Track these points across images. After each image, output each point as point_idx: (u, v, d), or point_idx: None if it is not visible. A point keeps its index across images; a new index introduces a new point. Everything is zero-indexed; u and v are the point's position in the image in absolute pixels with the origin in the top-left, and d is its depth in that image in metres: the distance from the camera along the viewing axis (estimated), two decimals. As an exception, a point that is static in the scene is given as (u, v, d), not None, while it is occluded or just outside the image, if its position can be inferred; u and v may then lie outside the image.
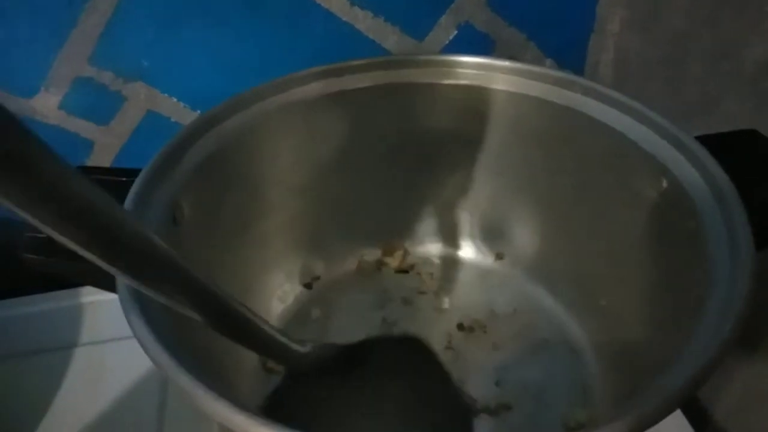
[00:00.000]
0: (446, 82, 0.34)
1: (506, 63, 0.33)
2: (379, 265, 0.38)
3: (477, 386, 0.32)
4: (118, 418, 0.33)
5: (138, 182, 0.24)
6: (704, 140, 0.28)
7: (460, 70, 0.33)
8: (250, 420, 0.17)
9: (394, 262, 0.38)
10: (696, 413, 0.34)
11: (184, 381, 0.18)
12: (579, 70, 0.48)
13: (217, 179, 0.30)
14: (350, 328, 0.35)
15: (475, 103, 0.34)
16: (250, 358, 0.32)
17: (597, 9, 0.45)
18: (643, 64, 0.44)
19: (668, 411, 0.18)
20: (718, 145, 0.29)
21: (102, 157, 0.45)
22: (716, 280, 0.23)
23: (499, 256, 0.38)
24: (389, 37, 0.44)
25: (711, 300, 0.22)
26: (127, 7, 0.39)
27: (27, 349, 0.36)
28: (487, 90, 0.33)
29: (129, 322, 0.20)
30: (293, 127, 0.33)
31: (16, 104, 0.40)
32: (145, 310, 0.20)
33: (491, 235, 0.38)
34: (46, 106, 0.41)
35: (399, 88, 0.34)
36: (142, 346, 0.19)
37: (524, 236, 0.37)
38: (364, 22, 0.43)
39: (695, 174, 0.26)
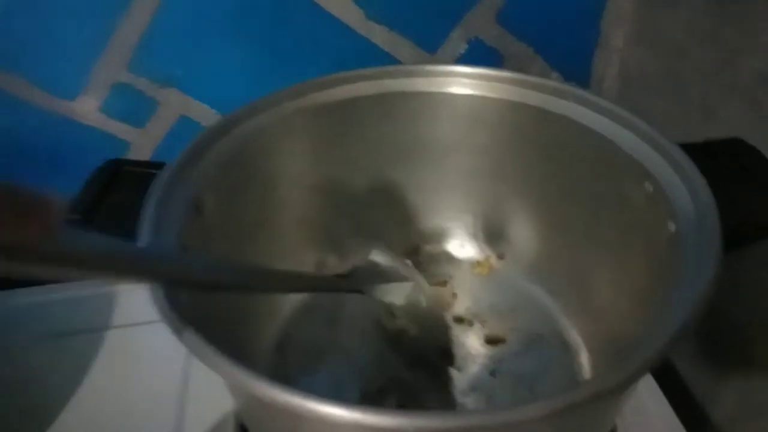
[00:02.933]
0: (450, 90, 0.36)
1: (506, 73, 0.35)
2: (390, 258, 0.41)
3: (473, 375, 0.35)
4: (142, 397, 0.36)
5: (163, 175, 0.27)
6: (691, 147, 0.30)
7: (463, 80, 0.36)
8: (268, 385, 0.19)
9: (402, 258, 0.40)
10: (693, 422, 0.35)
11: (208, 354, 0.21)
12: (585, 84, 0.50)
13: (237, 176, 0.33)
14: (356, 316, 0.37)
15: (477, 111, 0.36)
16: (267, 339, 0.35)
17: (601, 24, 0.47)
18: (646, 77, 0.46)
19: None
20: (704, 152, 0.31)
21: (138, 157, 0.49)
22: (686, 279, 0.24)
23: (500, 256, 0.40)
24: (403, 50, 0.47)
25: (678, 297, 0.24)
26: (162, 19, 0.42)
27: (62, 330, 0.39)
28: (488, 99, 0.36)
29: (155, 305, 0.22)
30: (308, 130, 0.36)
31: (58, 106, 0.44)
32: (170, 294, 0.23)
33: (493, 237, 0.40)
34: (86, 109, 0.45)
35: (408, 96, 0.37)
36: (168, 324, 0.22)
37: (524, 238, 0.39)
38: (380, 35, 0.46)
39: (676, 179, 0.28)
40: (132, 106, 0.46)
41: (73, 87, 0.44)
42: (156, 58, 0.44)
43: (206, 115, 0.47)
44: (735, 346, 0.40)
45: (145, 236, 0.25)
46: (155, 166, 0.29)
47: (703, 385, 0.44)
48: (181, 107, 0.47)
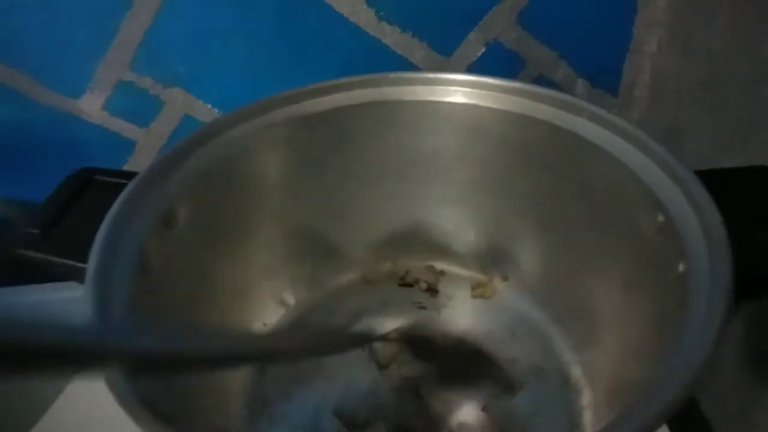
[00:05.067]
0: (452, 100, 0.33)
1: (514, 84, 0.32)
2: (384, 276, 0.39)
3: (462, 410, 0.32)
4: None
5: (128, 189, 0.26)
6: (712, 175, 0.26)
7: (467, 89, 0.33)
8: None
9: (398, 274, 0.38)
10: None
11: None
12: (613, 91, 0.47)
13: (219, 186, 0.31)
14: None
15: (481, 123, 0.33)
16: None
17: (633, 29, 0.44)
18: (679, 86, 0.42)
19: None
20: (727, 180, 0.27)
21: (143, 157, 0.48)
22: (692, 327, 0.22)
23: (503, 278, 0.38)
24: (416, 53, 0.44)
25: (683, 346, 0.21)
26: (164, 18, 0.41)
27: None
28: (493, 110, 0.33)
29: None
30: (300, 139, 0.34)
31: (63, 104, 0.44)
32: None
33: (496, 257, 0.38)
34: (90, 107, 0.45)
35: (407, 105, 0.34)
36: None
37: (529, 260, 0.36)
38: (392, 37, 0.44)
39: (690, 212, 0.25)
40: (136, 105, 0.45)
41: (77, 85, 0.44)
42: (159, 57, 0.43)
43: (210, 114, 0.46)
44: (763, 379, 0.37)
45: (98, 251, 0.24)
46: (128, 175, 0.28)
47: (729, 421, 0.40)
48: (186, 106, 0.46)
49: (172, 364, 0.18)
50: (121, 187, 0.28)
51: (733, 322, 0.37)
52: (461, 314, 0.37)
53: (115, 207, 0.25)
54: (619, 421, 0.20)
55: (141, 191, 0.27)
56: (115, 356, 0.16)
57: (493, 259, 0.38)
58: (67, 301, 0.39)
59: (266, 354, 0.24)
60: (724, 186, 0.26)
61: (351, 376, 0.34)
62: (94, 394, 0.34)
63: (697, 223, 0.24)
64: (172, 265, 0.27)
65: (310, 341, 0.26)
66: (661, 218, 0.26)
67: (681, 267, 0.24)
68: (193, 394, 0.25)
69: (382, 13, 0.43)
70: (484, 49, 0.44)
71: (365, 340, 0.32)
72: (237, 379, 0.33)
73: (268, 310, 0.36)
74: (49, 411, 0.36)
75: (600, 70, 0.46)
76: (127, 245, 0.25)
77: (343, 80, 0.34)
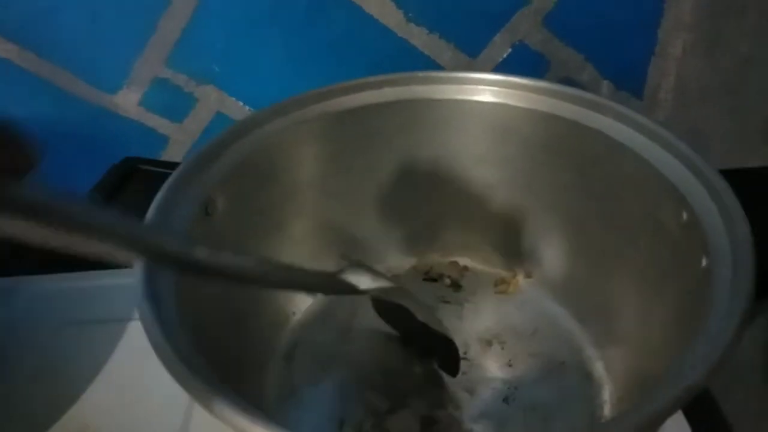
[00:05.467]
0: (480, 99, 0.34)
1: (540, 83, 0.33)
2: (408, 271, 0.40)
3: (485, 400, 0.33)
4: (156, 389, 0.36)
5: (172, 178, 0.27)
6: (735, 174, 0.27)
7: (494, 89, 0.34)
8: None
9: (422, 269, 0.39)
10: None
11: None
12: (638, 94, 0.47)
13: (253, 178, 0.32)
14: (369, 329, 0.36)
15: (508, 121, 0.34)
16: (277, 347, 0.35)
17: (659, 32, 0.44)
18: (704, 89, 0.43)
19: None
20: (750, 179, 0.28)
21: (175, 151, 0.50)
22: (715, 320, 0.22)
23: (527, 275, 0.38)
24: (443, 54, 0.45)
25: (705, 340, 0.22)
26: (201, 17, 0.43)
27: (86, 318, 0.40)
28: (520, 109, 0.34)
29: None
30: (331, 134, 0.35)
31: (101, 99, 0.45)
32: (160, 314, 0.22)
33: (520, 253, 0.38)
34: (127, 102, 0.46)
35: (435, 104, 0.35)
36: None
37: (553, 257, 0.37)
38: (419, 38, 0.45)
39: (714, 209, 0.26)
40: (170, 101, 0.47)
41: (115, 81, 0.45)
42: (194, 55, 0.45)
43: (242, 112, 0.47)
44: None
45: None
46: (170, 165, 0.29)
47: (748, 426, 0.40)
48: (218, 104, 0.47)
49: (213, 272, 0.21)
50: (162, 175, 0.29)
51: (756, 327, 0.38)
52: (484, 309, 0.38)
53: (161, 194, 0.26)
54: (632, 410, 0.20)
55: (183, 180, 0.28)
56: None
57: (516, 255, 0.39)
58: (118, 287, 0.41)
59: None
60: (748, 184, 0.26)
61: (375, 366, 0.35)
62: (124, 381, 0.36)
63: (721, 219, 0.25)
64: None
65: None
66: (685, 215, 0.27)
67: (704, 262, 0.25)
68: (230, 374, 0.26)
69: (410, 15, 0.44)
70: (510, 51, 0.45)
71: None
72: (268, 363, 0.34)
73: (297, 300, 0.37)
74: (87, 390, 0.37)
75: (625, 72, 0.46)
76: (174, 229, 0.26)
77: (374, 78, 0.35)
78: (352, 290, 0.30)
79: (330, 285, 0.30)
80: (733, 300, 0.22)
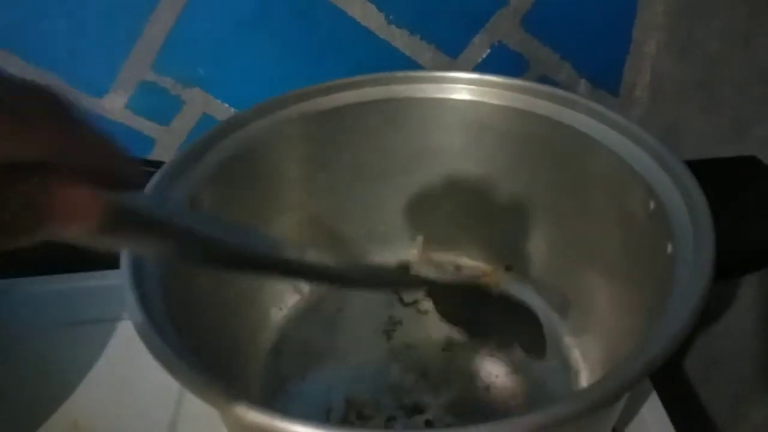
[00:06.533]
0: (458, 97, 0.35)
1: (515, 81, 0.34)
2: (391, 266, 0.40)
3: (467, 389, 0.34)
4: (145, 388, 0.37)
5: (157, 176, 0.28)
6: (701, 164, 0.28)
7: (471, 87, 0.35)
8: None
9: (404, 264, 0.40)
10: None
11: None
12: (614, 92, 0.48)
13: (238, 177, 0.33)
14: (357, 322, 0.37)
15: (485, 119, 0.35)
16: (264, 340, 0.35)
17: (633, 31, 0.45)
18: (678, 87, 0.44)
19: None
20: (716, 170, 0.29)
21: (162, 153, 0.50)
22: (677, 304, 0.23)
23: (507, 268, 0.39)
24: (424, 54, 0.46)
25: (666, 323, 0.23)
26: (186, 20, 0.43)
27: (76, 318, 0.41)
28: (496, 107, 0.35)
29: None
30: (313, 134, 0.36)
31: (87, 103, 0.46)
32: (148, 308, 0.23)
33: (500, 247, 0.39)
34: (113, 106, 0.47)
35: (414, 102, 0.36)
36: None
37: (531, 250, 0.38)
38: (401, 39, 0.46)
39: (678, 198, 0.27)
40: (157, 104, 0.47)
41: (101, 84, 0.46)
42: (180, 58, 0.45)
43: (227, 113, 0.48)
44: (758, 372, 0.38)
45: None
46: (157, 164, 0.30)
47: (725, 411, 0.42)
48: (204, 106, 0.48)
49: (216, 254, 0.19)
50: (149, 174, 0.30)
51: (732, 314, 0.39)
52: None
53: (148, 191, 0.27)
54: (599, 382, 0.21)
55: (170, 177, 0.29)
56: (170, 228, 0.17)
57: (497, 249, 0.40)
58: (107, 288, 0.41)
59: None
60: (719, 173, 0.28)
61: (362, 359, 0.36)
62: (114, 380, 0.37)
63: (685, 207, 0.26)
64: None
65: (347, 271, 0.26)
66: (652, 204, 0.28)
67: (669, 248, 0.26)
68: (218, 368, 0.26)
69: (391, 17, 0.45)
70: (489, 51, 0.46)
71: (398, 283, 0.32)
72: (255, 358, 0.35)
73: (285, 296, 0.38)
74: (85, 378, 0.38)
75: (601, 71, 0.48)
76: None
77: (354, 78, 0.36)
78: (422, 283, 0.31)
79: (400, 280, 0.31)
80: (694, 280, 0.23)
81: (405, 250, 0.41)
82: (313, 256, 0.22)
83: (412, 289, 0.31)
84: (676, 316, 0.22)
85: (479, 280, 0.40)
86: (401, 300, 0.39)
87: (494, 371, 0.35)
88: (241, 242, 0.20)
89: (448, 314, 0.32)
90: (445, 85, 0.36)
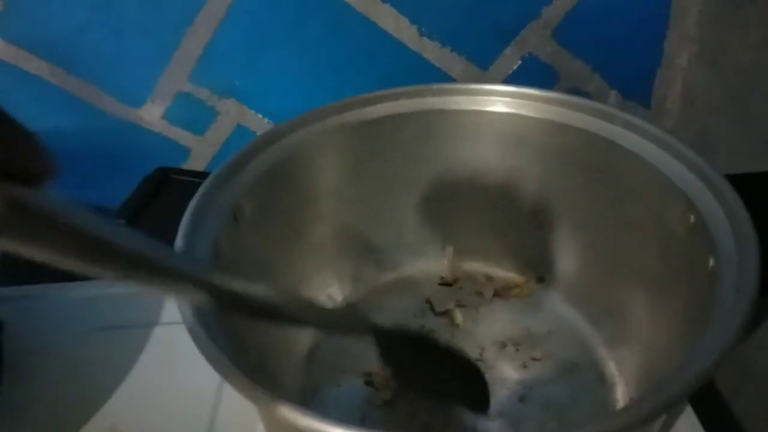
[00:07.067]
0: (493, 109, 0.36)
1: (552, 94, 0.35)
2: (425, 275, 0.41)
3: (501, 400, 0.34)
4: (181, 394, 0.37)
5: (205, 185, 0.29)
6: (740, 178, 0.28)
7: (507, 99, 0.36)
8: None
9: (438, 274, 0.41)
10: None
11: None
12: (645, 104, 0.48)
13: (276, 187, 0.34)
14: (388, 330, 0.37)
15: (520, 131, 0.36)
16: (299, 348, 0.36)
17: (665, 43, 0.46)
18: (709, 99, 0.44)
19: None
20: (750, 184, 0.29)
21: (197, 163, 0.51)
22: (720, 318, 0.23)
23: (540, 279, 0.40)
24: (455, 66, 0.47)
25: (710, 338, 0.23)
26: (223, 33, 0.44)
27: (112, 324, 0.42)
28: (532, 119, 0.35)
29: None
30: (350, 145, 0.36)
31: (126, 112, 0.47)
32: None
33: (534, 259, 0.40)
34: (151, 116, 0.48)
35: (449, 114, 0.37)
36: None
37: (565, 262, 0.38)
38: (432, 52, 0.46)
39: (719, 211, 0.27)
40: (193, 115, 0.48)
41: (139, 95, 0.47)
42: (216, 70, 0.46)
43: (261, 124, 0.49)
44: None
45: (181, 239, 0.26)
46: (201, 175, 0.31)
47: (759, 427, 0.41)
48: (239, 117, 0.49)
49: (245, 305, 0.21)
50: (192, 184, 0.30)
51: (766, 328, 0.39)
52: (499, 312, 0.39)
53: (195, 201, 0.28)
54: (639, 401, 0.21)
55: (215, 188, 0.29)
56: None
57: (529, 260, 0.40)
58: (143, 294, 0.42)
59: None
60: (753, 188, 0.28)
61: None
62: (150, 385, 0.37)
63: (727, 221, 0.26)
64: (239, 256, 0.30)
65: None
66: (692, 218, 0.28)
67: (711, 263, 0.26)
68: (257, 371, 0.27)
69: (423, 30, 0.45)
70: (520, 63, 0.47)
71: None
72: (289, 365, 0.35)
73: (321, 301, 0.38)
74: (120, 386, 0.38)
75: (632, 82, 0.48)
76: (204, 236, 0.27)
77: (390, 91, 0.37)
78: (366, 328, 0.28)
79: (336, 322, 0.28)
80: (738, 298, 0.23)
81: (435, 261, 0.42)
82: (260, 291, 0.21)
83: (354, 334, 0.28)
84: (718, 334, 0.22)
85: (511, 292, 0.40)
86: (432, 309, 0.39)
87: (529, 382, 0.35)
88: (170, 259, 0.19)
89: (389, 361, 0.29)
90: (480, 98, 0.36)
